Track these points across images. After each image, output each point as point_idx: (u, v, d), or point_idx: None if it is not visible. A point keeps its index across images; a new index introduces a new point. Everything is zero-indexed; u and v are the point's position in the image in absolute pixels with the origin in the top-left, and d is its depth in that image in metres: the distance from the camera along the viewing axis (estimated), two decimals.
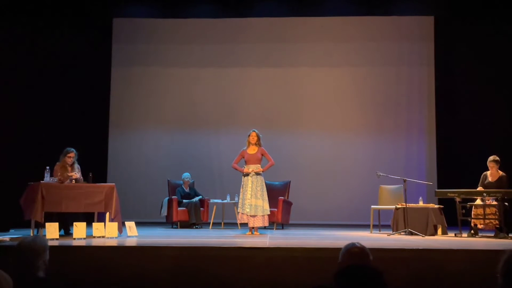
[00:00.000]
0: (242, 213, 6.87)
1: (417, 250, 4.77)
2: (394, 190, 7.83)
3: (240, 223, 7.43)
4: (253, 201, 6.82)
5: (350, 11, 9.90)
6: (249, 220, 6.85)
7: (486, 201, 6.72)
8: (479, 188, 6.90)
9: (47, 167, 6.21)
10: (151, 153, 9.99)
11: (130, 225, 6.32)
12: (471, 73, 9.47)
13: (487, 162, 6.92)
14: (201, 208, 8.37)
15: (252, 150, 7.05)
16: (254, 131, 7.17)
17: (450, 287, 4.32)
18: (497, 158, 6.91)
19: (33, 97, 8.99)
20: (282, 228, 8.16)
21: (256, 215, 6.82)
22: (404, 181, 7.04)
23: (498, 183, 6.81)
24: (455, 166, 9.24)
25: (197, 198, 8.45)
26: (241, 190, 6.97)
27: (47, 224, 5.67)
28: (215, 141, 10.01)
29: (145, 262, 4.55)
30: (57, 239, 5.61)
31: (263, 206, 6.85)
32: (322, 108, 9.95)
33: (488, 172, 6.97)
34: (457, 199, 6.76)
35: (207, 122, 10.04)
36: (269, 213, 6.96)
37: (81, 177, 6.64)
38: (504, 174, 6.88)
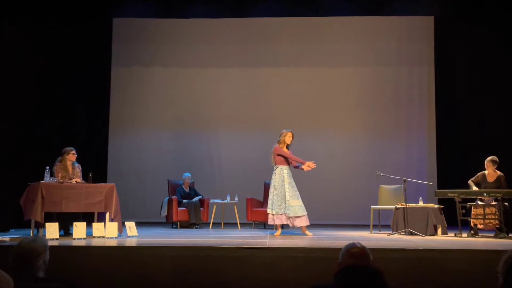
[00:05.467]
0: (280, 214, 6.63)
1: (417, 250, 4.77)
2: (394, 190, 7.82)
3: (274, 225, 6.94)
4: (293, 202, 6.65)
5: (350, 11, 9.90)
6: (294, 221, 6.62)
7: (479, 202, 6.73)
8: (470, 182, 6.95)
9: (47, 167, 6.21)
10: (151, 153, 9.99)
11: (130, 225, 6.32)
12: (471, 73, 9.47)
13: (485, 163, 6.93)
14: (201, 208, 8.36)
15: (287, 150, 6.91)
16: (291, 131, 6.97)
17: (450, 287, 4.32)
18: (496, 158, 6.91)
19: (33, 97, 8.99)
20: (282, 228, 8.14)
21: (303, 215, 6.65)
22: (404, 181, 7.04)
23: (497, 183, 6.82)
24: (455, 166, 9.24)
25: (197, 198, 8.45)
26: (275, 191, 6.71)
27: (47, 224, 5.67)
28: (215, 141, 10.01)
29: (145, 262, 4.55)
30: (57, 239, 5.61)
31: (302, 205, 6.72)
32: (321, 108, 9.95)
33: (486, 172, 6.97)
34: (457, 199, 6.76)
35: (207, 122, 10.04)
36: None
37: (81, 177, 6.64)
38: (502, 174, 6.88)
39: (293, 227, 6.77)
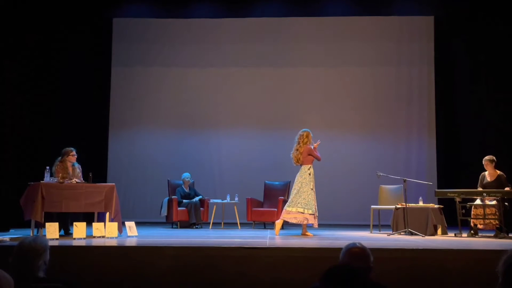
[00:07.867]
0: (316, 215, 6.70)
1: (417, 250, 4.77)
2: (394, 190, 7.82)
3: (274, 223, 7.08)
4: (316, 202, 6.77)
5: (350, 11, 9.90)
6: (317, 220, 6.72)
7: (486, 201, 6.73)
8: (479, 189, 6.91)
9: (47, 167, 6.21)
10: (151, 153, 9.99)
11: (130, 225, 6.32)
12: (470, 73, 9.48)
13: (483, 162, 6.93)
14: (201, 208, 8.36)
15: None
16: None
17: (450, 287, 4.32)
18: (493, 157, 6.91)
19: (33, 97, 8.98)
20: (282, 228, 8.14)
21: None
22: (404, 181, 7.04)
23: (497, 182, 6.82)
24: (455, 166, 9.24)
25: (197, 198, 8.45)
26: (310, 190, 6.72)
27: (47, 224, 5.67)
28: (215, 141, 10.01)
29: (145, 262, 4.55)
30: (57, 239, 5.61)
31: None
32: (321, 108, 9.94)
33: (486, 172, 6.97)
34: (457, 199, 6.76)
35: (207, 122, 10.04)
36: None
37: (81, 178, 6.64)
38: (501, 173, 6.89)
39: (311, 225, 6.79)
